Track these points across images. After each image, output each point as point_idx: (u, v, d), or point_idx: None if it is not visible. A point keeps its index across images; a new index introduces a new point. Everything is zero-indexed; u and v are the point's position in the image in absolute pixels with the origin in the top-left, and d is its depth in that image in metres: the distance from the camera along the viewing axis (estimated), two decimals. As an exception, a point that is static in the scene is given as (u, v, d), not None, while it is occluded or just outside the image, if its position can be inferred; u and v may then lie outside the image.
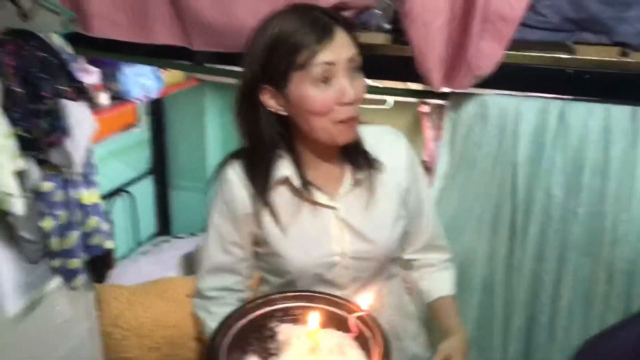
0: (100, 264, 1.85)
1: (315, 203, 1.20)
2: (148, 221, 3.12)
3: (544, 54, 1.33)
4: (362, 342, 0.95)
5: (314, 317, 0.96)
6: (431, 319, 1.36)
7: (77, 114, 1.52)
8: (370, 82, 2.10)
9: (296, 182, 1.18)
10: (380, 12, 1.38)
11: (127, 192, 2.91)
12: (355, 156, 1.21)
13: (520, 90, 1.41)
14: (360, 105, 1.14)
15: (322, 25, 1.09)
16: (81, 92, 1.53)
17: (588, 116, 1.33)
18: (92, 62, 2.24)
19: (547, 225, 1.39)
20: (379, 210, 1.22)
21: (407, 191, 1.26)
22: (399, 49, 1.41)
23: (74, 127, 1.51)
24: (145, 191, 3.07)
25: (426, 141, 2.39)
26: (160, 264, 2.69)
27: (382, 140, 1.25)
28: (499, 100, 1.40)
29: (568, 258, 1.39)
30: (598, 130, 1.33)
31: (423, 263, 1.35)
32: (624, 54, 1.26)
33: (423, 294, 1.36)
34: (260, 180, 1.18)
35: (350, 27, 1.13)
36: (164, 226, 3.19)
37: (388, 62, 1.44)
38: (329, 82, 1.09)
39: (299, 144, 1.19)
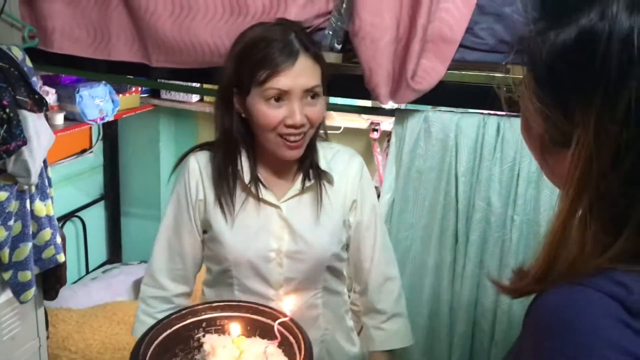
0: (51, 280, 1.84)
1: (261, 199, 1.29)
2: (98, 248, 3.10)
3: (481, 73, 1.44)
4: (287, 347, 1.00)
5: (237, 326, 1.00)
6: None
7: (35, 125, 1.55)
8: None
9: (246, 177, 1.28)
10: (331, 33, 1.47)
11: (78, 217, 2.89)
12: (308, 167, 1.31)
13: (460, 106, 1.52)
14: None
15: (289, 49, 1.18)
16: (40, 104, 1.55)
17: (522, 131, 1.44)
18: (49, 83, 2.28)
19: (487, 233, 1.49)
20: (322, 218, 1.31)
21: (354, 202, 1.35)
22: (349, 67, 1.50)
23: (32, 138, 1.53)
24: (96, 217, 3.06)
25: (377, 166, 2.49)
26: (110, 288, 2.67)
27: (338, 157, 1.36)
28: (441, 116, 1.51)
29: (507, 264, 1.48)
30: (531, 143, 1.44)
31: (373, 307, 1.41)
32: (552, 74, 1.38)
33: (368, 341, 1.43)
34: (218, 171, 1.28)
35: (320, 57, 1.22)
36: (115, 253, 3.17)
37: (339, 80, 1.53)
38: (280, 103, 1.19)
39: (258, 145, 1.29)
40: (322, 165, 1.32)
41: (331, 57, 1.51)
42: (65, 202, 2.78)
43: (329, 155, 1.35)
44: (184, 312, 1.07)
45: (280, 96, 1.19)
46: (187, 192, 1.32)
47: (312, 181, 1.31)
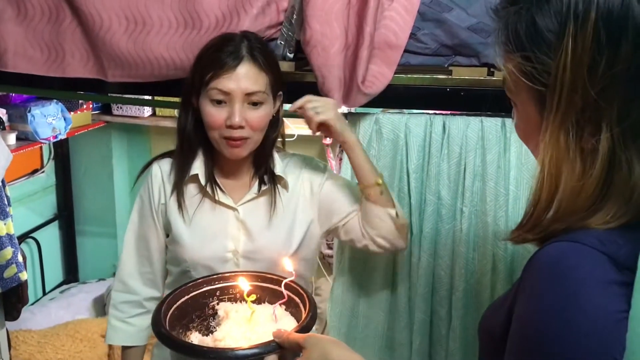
0: (12, 299, 1.83)
1: (217, 202, 1.36)
2: (55, 268, 3.07)
3: (425, 75, 1.53)
4: (293, 309, 1.08)
5: (245, 281, 1.09)
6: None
7: (-8, 144, 1.56)
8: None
9: (203, 180, 1.35)
10: (283, 43, 1.54)
11: (32, 238, 2.86)
12: (263, 173, 1.39)
13: (407, 107, 1.61)
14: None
15: (235, 54, 1.27)
16: (-3, 123, 1.57)
17: (466, 127, 1.55)
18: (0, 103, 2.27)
19: (439, 225, 1.58)
20: (277, 221, 1.37)
21: (312, 222, 1.41)
22: (302, 75, 1.57)
23: (-10, 157, 1.55)
24: (51, 237, 3.03)
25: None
26: (70, 307, 2.65)
27: (296, 166, 1.43)
28: (390, 118, 1.59)
29: (459, 253, 1.58)
30: (475, 139, 1.54)
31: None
32: (490, 73, 1.49)
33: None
34: (176, 172, 1.36)
35: (269, 66, 1.30)
36: (71, 272, 3.14)
37: (293, 87, 1.60)
38: (223, 104, 1.28)
39: (215, 152, 1.35)
40: (278, 171, 1.39)
41: (284, 66, 1.58)
42: (19, 223, 2.74)
43: (287, 162, 1.43)
44: (199, 280, 1.16)
45: (224, 98, 1.28)
46: (151, 197, 1.39)
47: (267, 186, 1.38)
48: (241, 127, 1.28)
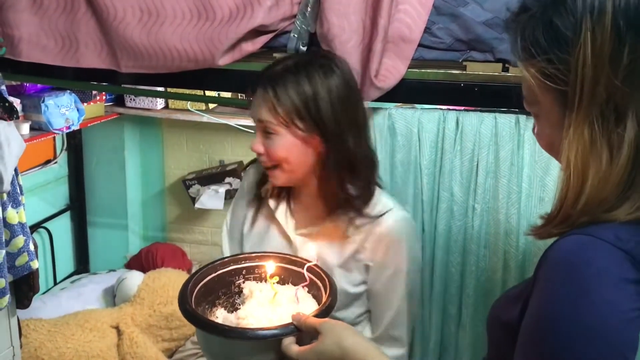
0: (23, 288, 1.84)
1: (280, 227, 1.37)
2: (66, 258, 3.08)
3: (439, 70, 1.52)
4: (315, 291, 1.10)
5: (272, 264, 1.13)
6: None
7: (6, 132, 1.56)
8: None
9: (272, 204, 1.39)
10: (296, 36, 1.53)
11: (44, 228, 2.87)
12: (326, 212, 1.33)
13: (421, 102, 1.60)
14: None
15: (263, 79, 1.29)
16: (11, 112, 1.57)
17: (479, 124, 1.53)
18: (13, 93, 2.28)
19: (451, 222, 1.57)
20: (329, 262, 1.30)
21: (371, 270, 1.32)
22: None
23: (4, 146, 1.55)
24: (63, 228, 3.04)
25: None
26: (80, 297, 2.66)
27: (381, 219, 1.33)
28: (403, 113, 1.58)
29: (470, 250, 1.56)
30: (489, 136, 1.53)
31: None
32: (505, 69, 1.48)
33: None
34: (259, 183, 1.42)
35: (290, 98, 1.24)
36: (82, 263, 3.15)
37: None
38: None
39: None
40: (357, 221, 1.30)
41: (297, 59, 1.58)
42: (31, 213, 2.75)
43: (375, 209, 1.33)
44: (226, 259, 1.20)
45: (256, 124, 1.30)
46: (243, 192, 1.47)
47: (319, 229, 1.32)
48: (260, 154, 1.29)
